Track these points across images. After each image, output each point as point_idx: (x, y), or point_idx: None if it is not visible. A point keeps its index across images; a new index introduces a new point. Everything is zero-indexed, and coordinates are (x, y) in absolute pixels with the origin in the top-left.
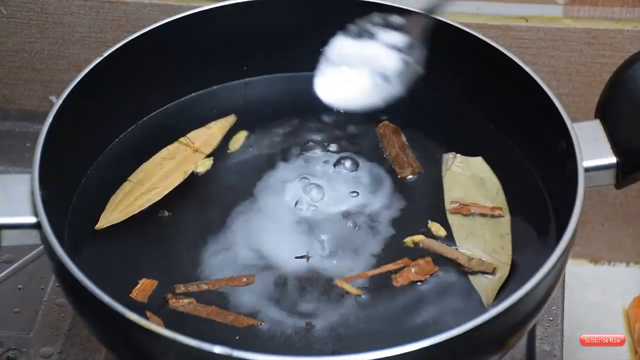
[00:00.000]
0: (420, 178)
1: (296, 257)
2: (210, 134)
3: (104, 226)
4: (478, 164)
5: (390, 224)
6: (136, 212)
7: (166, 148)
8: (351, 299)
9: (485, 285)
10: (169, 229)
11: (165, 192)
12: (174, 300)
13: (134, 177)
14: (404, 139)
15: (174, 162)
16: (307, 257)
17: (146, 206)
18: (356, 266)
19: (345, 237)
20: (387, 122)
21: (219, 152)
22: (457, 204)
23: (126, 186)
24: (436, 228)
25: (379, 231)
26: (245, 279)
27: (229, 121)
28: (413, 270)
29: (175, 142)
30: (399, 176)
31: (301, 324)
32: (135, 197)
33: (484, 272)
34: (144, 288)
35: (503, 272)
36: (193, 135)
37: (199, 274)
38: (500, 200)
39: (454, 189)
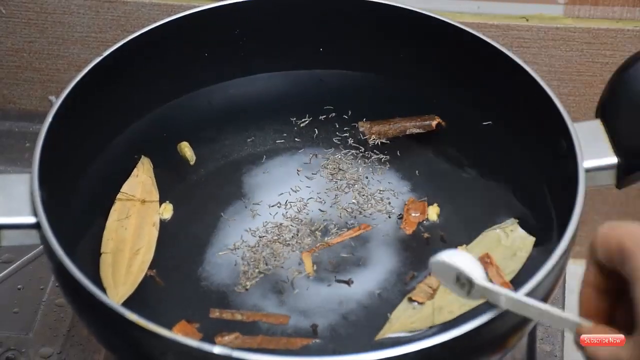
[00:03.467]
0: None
1: (337, 281)
2: (142, 182)
3: (120, 302)
4: (524, 240)
5: (389, 223)
6: (141, 279)
7: (113, 210)
8: (352, 301)
9: (400, 315)
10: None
11: (153, 249)
12: (219, 338)
13: (106, 247)
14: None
15: (133, 219)
16: (349, 282)
17: (147, 268)
18: (357, 270)
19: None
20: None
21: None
22: (486, 257)
23: (107, 258)
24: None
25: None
26: (281, 319)
27: (145, 164)
28: (413, 214)
29: (117, 202)
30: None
31: (302, 323)
32: (126, 265)
33: (415, 300)
34: (186, 331)
35: (424, 324)
36: (127, 189)
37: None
38: (509, 277)
39: (483, 244)
